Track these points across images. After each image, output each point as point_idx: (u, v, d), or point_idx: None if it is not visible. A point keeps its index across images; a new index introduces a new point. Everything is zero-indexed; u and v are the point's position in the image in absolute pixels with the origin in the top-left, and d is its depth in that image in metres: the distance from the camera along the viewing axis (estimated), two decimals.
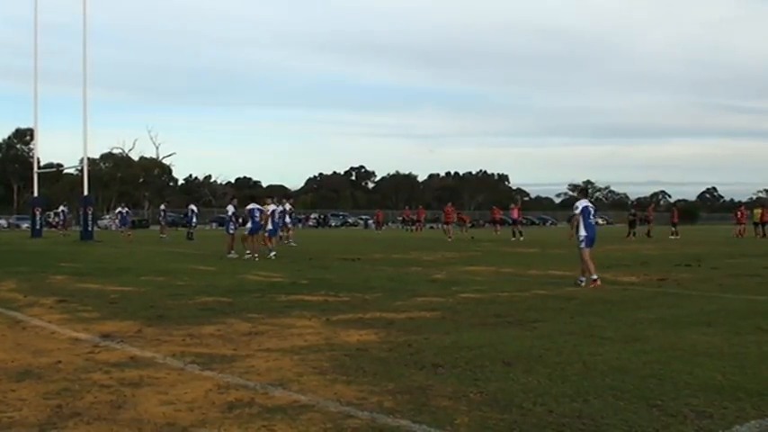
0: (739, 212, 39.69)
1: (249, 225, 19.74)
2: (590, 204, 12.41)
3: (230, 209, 21.52)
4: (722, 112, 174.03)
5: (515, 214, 35.65)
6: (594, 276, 11.82)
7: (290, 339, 6.83)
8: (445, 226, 36.46)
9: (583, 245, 12.06)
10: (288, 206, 27.82)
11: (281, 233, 26.77)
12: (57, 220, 44.78)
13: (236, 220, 21.27)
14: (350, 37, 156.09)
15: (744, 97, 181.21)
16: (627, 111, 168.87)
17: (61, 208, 43.69)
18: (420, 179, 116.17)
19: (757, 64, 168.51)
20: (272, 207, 19.94)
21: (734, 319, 8.19)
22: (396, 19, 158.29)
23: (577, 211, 12.24)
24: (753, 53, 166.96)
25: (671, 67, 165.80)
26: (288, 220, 27.55)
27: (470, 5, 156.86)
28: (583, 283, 11.91)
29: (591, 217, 12.24)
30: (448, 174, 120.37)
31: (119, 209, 41.37)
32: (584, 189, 12.20)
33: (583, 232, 12.09)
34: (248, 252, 19.20)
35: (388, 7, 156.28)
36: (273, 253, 18.77)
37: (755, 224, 37.29)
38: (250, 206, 20.19)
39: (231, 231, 20.58)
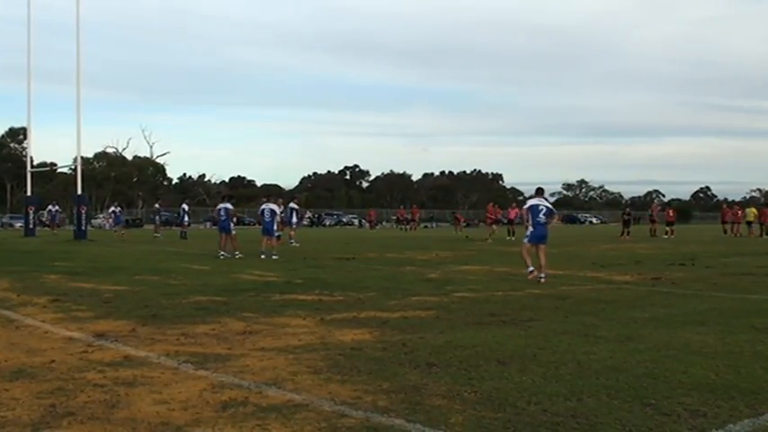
0: (731, 212, 39.71)
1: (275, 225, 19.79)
2: (541, 203, 13.16)
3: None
4: (715, 112, 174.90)
5: (512, 215, 35.64)
6: (531, 269, 12.84)
7: (285, 338, 6.82)
8: (489, 226, 34.06)
9: (525, 240, 13.23)
10: (294, 205, 27.79)
11: (290, 232, 26.85)
12: (48, 218, 44.41)
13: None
14: (343, 37, 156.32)
15: (736, 96, 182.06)
16: (621, 110, 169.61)
17: (49, 207, 43.23)
18: (414, 178, 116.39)
19: (750, 63, 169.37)
20: (262, 206, 19.91)
21: (727, 317, 8.22)
22: (389, 19, 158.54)
23: (525, 207, 13.35)
24: (745, 52, 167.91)
25: (664, 65, 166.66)
26: (294, 219, 27.57)
27: (463, 5, 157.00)
28: (541, 277, 12.55)
29: (539, 215, 12.97)
30: (442, 173, 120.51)
31: (112, 208, 41.20)
32: (539, 189, 13.33)
33: (530, 229, 13.11)
34: (228, 252, 19.33)
35: (381, 7, 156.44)
36: (263, 256, 18.52)
37: (749, 223, 37.44)
38: (218, 206, 20.63)
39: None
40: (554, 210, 13.46)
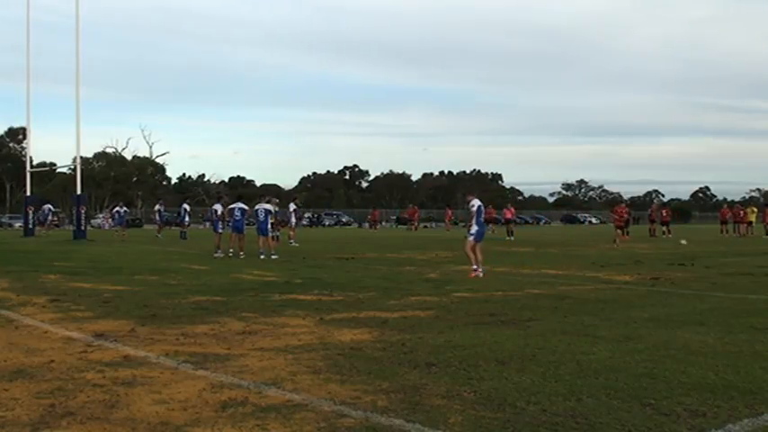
0: (732, 212, 39.63)
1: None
2: (482, 204, 13.88)
3: (218, 207, 21.59)
4: (714, 111, 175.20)
5: (508, 215, 35.63)
6: (475, 266, 13.20)
7: (284, 338, 6.82)
8: (617, 231, 30.34)
9: (471, 238, 13.52)
10: (292, 206, 27.81)
11: (290, 232, 26.94)
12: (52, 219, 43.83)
13: (224, 219, 21.27)
14: (342, 37, 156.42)
15: (735, 96, 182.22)
16: (620, 110, 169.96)
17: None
18: (414, 178, 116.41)
19: (748, 62, 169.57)
20: (256, 207, 20.02)
21: (727, 317, 8.22)
22: (388, 19, 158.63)
23: (474, 209, 13.66)
24: (743, 51, 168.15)
25: (662, 65, 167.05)
26: (293, 219, 27.62)
27: (462, 5, 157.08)
28: (480, 273, 13.05)
29: (482, 215, 13.73)
30: (442, 173, 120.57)
31: (116, 207, 41.02)
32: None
33: (475, 228, 13.55)
34: (231, 251, 19.82)
35: (380, 7, 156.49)
36: (263, 256, 18.61)
37: (749, 223, 37.47)
38: (231, 205, 20.82)
39: (219, 230, 20.69)
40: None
